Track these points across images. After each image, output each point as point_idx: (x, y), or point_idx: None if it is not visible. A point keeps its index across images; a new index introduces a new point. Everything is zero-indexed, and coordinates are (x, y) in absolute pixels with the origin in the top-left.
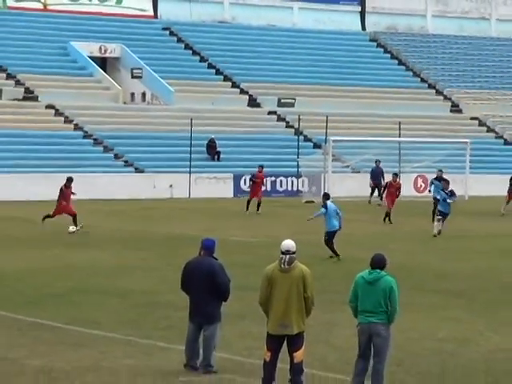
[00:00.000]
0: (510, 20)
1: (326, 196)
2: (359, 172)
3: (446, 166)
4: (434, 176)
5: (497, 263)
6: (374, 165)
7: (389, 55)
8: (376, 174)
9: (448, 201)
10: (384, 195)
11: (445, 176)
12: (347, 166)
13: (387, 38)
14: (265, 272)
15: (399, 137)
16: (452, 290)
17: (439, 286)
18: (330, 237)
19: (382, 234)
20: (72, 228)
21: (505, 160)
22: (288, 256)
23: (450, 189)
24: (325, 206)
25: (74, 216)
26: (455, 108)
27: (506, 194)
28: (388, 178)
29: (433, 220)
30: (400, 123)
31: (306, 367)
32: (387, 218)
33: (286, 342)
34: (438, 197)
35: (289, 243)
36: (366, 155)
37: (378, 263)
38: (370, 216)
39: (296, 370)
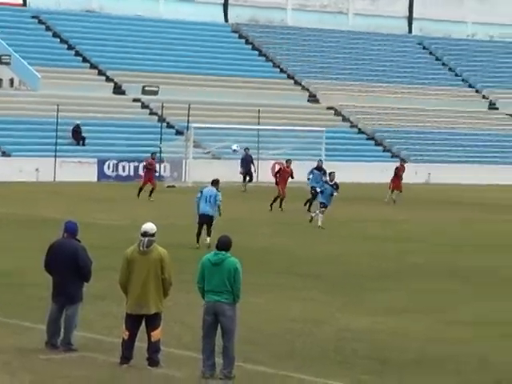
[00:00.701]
0: (365, 14)
1: (213, 182)
2: (219, 158)
3: (302, 153)
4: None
5: (354, 247)
6: (244, 152)
7: (250, 46)
8: (246, 162)
9: (335, 194)
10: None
11: (301, 163)
12: (208, 153)
13: (249, 30)
14: (124, 254)
15: (258, 125)
16: (309, 273)
17: (298, 269)
18: (202, 220)
19: (244, 219)
20: None
21: (358, 148)
22: (147, 239)
23: (334, 181)
24: (201, 190)
25: None
26: (312, 98)
27: (389, 182)
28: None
29: (307, 205)
30: (259, 111)
31: (162, 346)
32: (280, 204)
33: (144, 322)
34: (318, 189)
35: (148, 226)
36: (226, 142)
37: (223, 245)
38: (235, 201)
39: (153, 348)
